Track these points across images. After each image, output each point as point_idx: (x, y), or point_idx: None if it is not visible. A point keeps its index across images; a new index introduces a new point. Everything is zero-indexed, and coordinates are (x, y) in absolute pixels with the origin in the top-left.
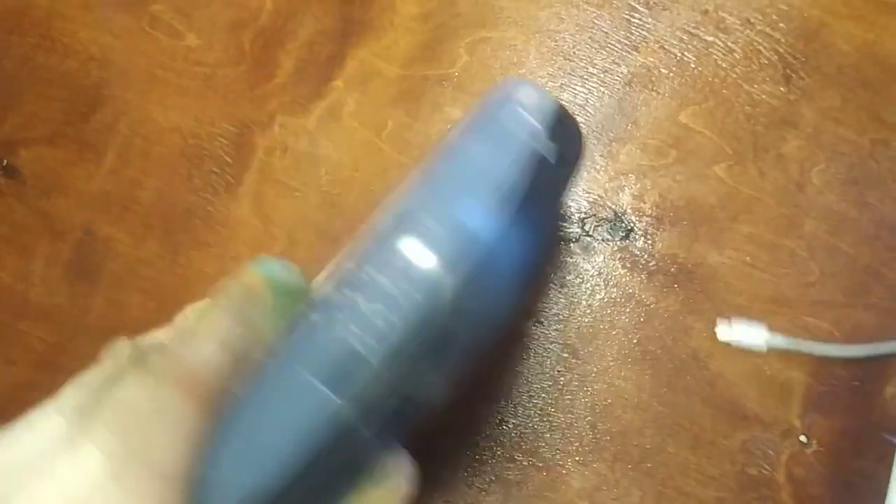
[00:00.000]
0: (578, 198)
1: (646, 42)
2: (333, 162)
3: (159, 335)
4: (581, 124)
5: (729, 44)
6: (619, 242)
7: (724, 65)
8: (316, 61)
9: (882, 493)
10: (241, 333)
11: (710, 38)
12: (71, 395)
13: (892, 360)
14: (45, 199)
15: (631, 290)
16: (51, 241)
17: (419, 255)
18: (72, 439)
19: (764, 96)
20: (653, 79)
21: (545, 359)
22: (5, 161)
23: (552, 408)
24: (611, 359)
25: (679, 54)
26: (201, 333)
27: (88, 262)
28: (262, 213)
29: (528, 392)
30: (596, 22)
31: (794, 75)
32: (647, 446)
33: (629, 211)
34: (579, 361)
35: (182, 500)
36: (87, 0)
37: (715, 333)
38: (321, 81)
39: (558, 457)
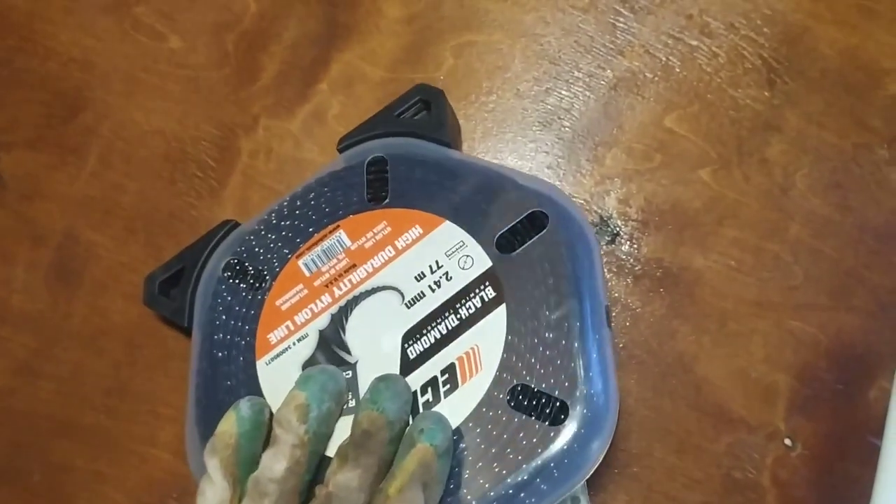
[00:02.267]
0: None
1: (631, 46)
2: (318, 165)
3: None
4: (567, 128)
5: (713, 48)
6: (605, 247)
7: (708, 69)
8: (300, 64)
9: (867, 495)
10: (425, 500)
11: (695, 43)
12: None
13: (876, 363)
14: (27, 204)
15: (617, 294)
16: (32, 245)
17: None
18: None
19: (748, 100)
20: (638, 83)
21: None
22: None
23: None
24: None
25: (664, 59)
26: None
27: (70, 266)
28: (247, 217)
29: None
30: (581, 26)
31: (777, 80)
32: (634, 451)
33: (615, 215)
34: None
35: None
36: (69, 2)
37: (701, 336)
38: (306, 84)
39: None
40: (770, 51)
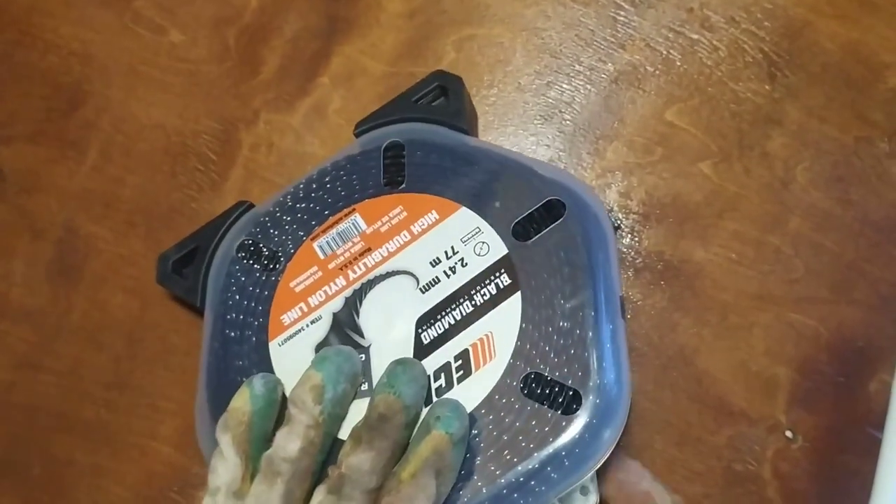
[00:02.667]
0: None
1: (632, 40)
2: (319, 159)
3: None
4: (568, 122)
5: (714, 42)
6: None
7: (709, 63)
8: (301, 58)
9: (867, 488)
10: (437, 486)
11: (696, 36)
12: None
13: (876, 356)
14: (27, 197)
15: None
16: (32, 239)
17: None
18: None
19: (749, 94)
20: (639, 76)
21: None
22: None
23: None
24: None
25: (665, 52)
26: (418, 498)
27: (70, 260)
28: None
29: None
30: (582, 20)
31: (778, 73)
32: (635, 443)
33: (616, 208)
34: None
35: None
36: None
37: (701, 329)
38: (307, 78)
39: None
40: (771, 45)
